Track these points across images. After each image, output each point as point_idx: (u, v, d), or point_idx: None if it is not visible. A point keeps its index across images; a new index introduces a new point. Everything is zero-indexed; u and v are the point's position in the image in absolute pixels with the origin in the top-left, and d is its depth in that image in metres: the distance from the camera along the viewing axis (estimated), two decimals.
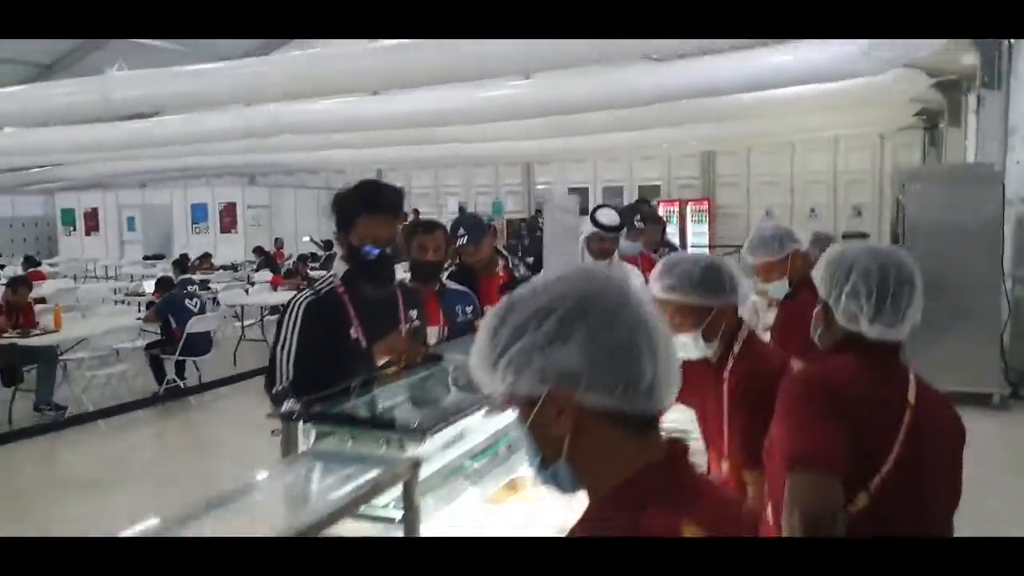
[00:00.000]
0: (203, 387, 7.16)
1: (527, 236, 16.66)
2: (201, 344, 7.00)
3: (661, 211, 16.49)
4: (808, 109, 10.07)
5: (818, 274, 1.61)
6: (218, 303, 9.45)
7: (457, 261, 3.43)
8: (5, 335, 6.50)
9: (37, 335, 6.62)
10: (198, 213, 17.99)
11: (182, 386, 7.00)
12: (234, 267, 13.80)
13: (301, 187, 19.04)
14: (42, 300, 9.75)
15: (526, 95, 8.57)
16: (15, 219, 20.36)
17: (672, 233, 16.14)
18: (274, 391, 2.13)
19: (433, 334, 2.71)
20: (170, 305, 7.17)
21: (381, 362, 2.13)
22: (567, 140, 12.15)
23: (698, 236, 16.27)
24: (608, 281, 0.90)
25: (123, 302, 9.98)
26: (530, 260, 5.47)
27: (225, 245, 16.82)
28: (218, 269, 13.33)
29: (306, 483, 1.53)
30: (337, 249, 2.36)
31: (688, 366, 1.46)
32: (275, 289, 10.41)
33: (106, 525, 1.07)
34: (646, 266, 4.26)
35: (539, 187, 18.64)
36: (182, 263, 9.72)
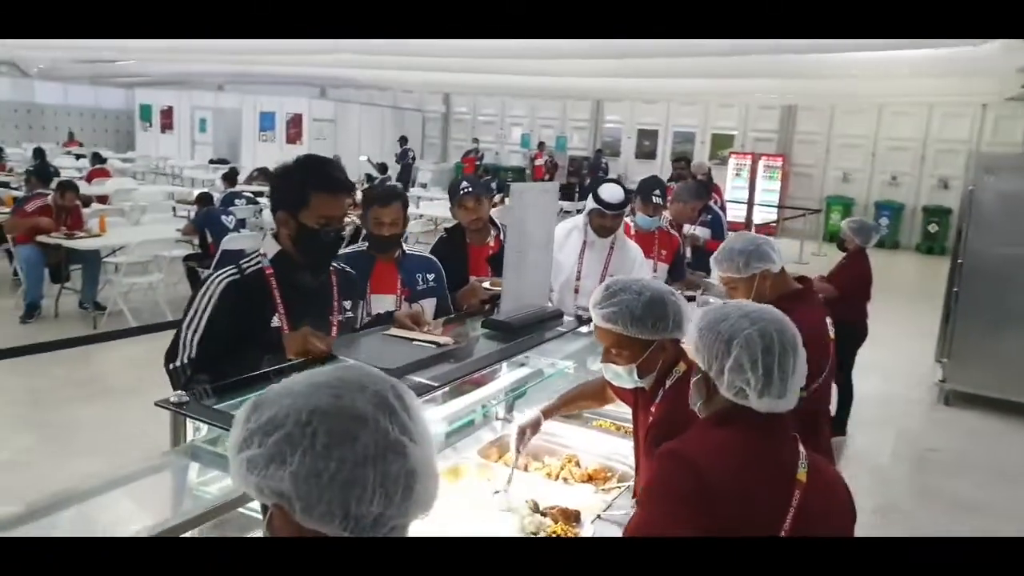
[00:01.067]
0: None
1: (588, 175, 16.37)
2: (235, 260, 7.02)
3: (731, 164, 15.98)
4: (901, 74, 9.41)
5: (691, 339, 1.48)
6: (262, 218, 9.48)
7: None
8: (53, 235, 6.76)
9: (81, 238, 6.84)
10: (266, 121, 18.09)
11: None
12: None
13: (368, 104, 18.96)
14: (104, 199, 10.07)
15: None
16: (97, 110, 20.97)
17: (739, 187, 15.65)
18: (171, 367, 1.98)
19: (390, 302, 2.67)
20: (206, 220, 7.26)
21: (293, 355, 1.94)
22: (637, 81, 11.69)
23: (768, 193, 15.65)
24: (354, 398, 0.82)
25: (173, 209, 10.16)
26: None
27: (289, 155, 16.98)
28: None
29: (172, 484, 1.51)
30: (270, 228, 2.21)
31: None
32: None
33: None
34: (661, 242, 4.05)
35: (607, 125, 18.15)
36: (231, 176, 9.73)
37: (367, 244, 2.75)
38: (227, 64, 13.75)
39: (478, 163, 17.40)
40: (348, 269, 2.32)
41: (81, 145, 17.60)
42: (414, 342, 2.09)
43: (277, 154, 16.99)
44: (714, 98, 14.73)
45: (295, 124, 17.80)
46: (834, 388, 4.93)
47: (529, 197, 2.53)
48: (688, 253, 4.77)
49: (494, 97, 18.61)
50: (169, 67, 15.22)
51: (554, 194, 2.74)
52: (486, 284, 2.90)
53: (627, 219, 3.89)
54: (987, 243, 5.69)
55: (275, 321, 2.03)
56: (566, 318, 2.68)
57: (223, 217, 7.28)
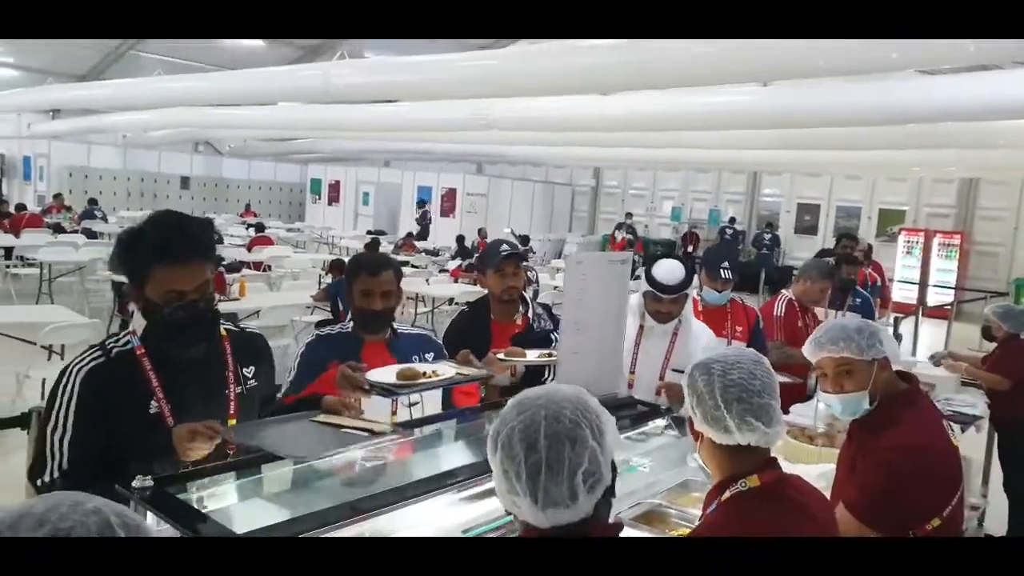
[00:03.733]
0: None
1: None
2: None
3: (901, 240, 14.85)
4: None
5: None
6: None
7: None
8: None
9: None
10: (423, 195, 19.03)
11: None
12: (436, 252, 14.19)
13: (520, 179, 19.48)
14: (259, 265, 10.68)
15: (757, 104, 7.98)
16: (275, 183, 22.93)
17: (911, 266, 14.48)
18: (39, 483, 1.65)
19: None
20: (338, 287, 7.26)
21: (190, 451, 1.62)
22: (797, 153, 11.21)
23: (944, 273, 14.37)
24: None
25: (320, 277, 10.58)
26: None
27: (443, 228, 17.64)
28: (420, 252, 13.71)
29: None
30: (132, 304, 1.87)
31: None
32: (455, 281, 10.24)
33: None
34: (735, 317, 3.53)
35: (764, 199, 17.51)
36: (373, 245, 10.13)
37: (351, 323, 2.39)
38: (391, 141, 14.73)
39: (628, 236, 17.27)
40: (250, 330, 2.04)
41: (256, 215, 19.18)
42: (343, 429, 1.82)
43: (433, 226, 17.77)
44: (882, 171, 13.84)
45: (449, 198, 18.66)
46: (1003, 500, 4.24)
47: (591, 267, 2.16)
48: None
49: (645, 171, 18.55)
50: (340, 144, 16.45)
51: (626, 266, 2.35)
52: (501, 355, 2.45)
53: (694, 294, 3.43)
54: None
55: (153, 407, 1.70)
56: (641, 408, 2.22)
57: None
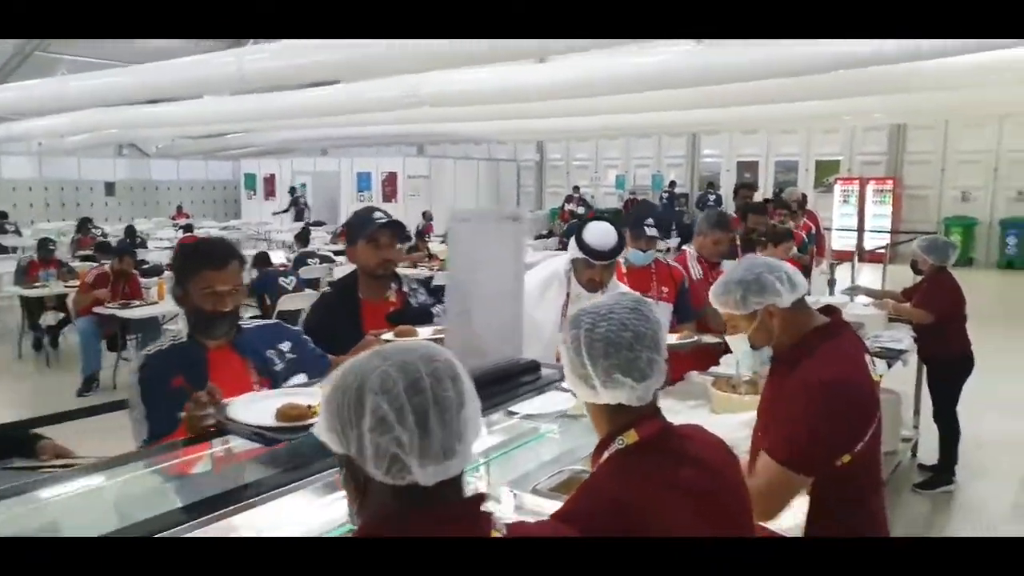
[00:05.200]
0: None
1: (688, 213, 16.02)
2: (294, 323, 6.84)
3: (837, 190, 15.21)
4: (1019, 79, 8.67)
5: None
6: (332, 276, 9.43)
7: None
8: (108, 305, 6.67)
9: (138, 306, 6.74)
10: (363, 182, 18.65)
11: None
12: None
13: (462, 158, 19.26)
14: None
15: (692, 63, 8.01)
16: (207, 183, 22.18)
17: (848, 215, 14.85)
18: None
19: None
20: (264, 282, 7.10)
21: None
22: (734, 110, 11.33)
23: (878, 219, 14.81)
24: None
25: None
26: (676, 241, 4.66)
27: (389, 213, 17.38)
28: None
29: None
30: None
31: None
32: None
33: None
34: (660, 277, 3.37)
35: (705, 159, 17.73)
36: (304, 236, 9.82)
37: (187, 332, 1.99)
38: (326, 128, 14.34)
39: (580, 208, 17.25)
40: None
41: (189, 217, 18.58)
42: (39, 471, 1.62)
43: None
44: (816, 123, 14.12)
45: (390, 182, 18.27)
46: (934, 431, 4.37)
47: (479, 226, 1.86)
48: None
49: (588, 141, 18.57)
50: (273, 135, 15.96)
51: (519, 223, 2.06)
52: (387, 336, 2.11)
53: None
54: None
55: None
56: (546, 371, 2.01)
57: (282, 279, 7.12)
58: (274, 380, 1.95)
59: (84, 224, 13.06)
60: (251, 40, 7.80)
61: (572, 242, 2.80)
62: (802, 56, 7.15)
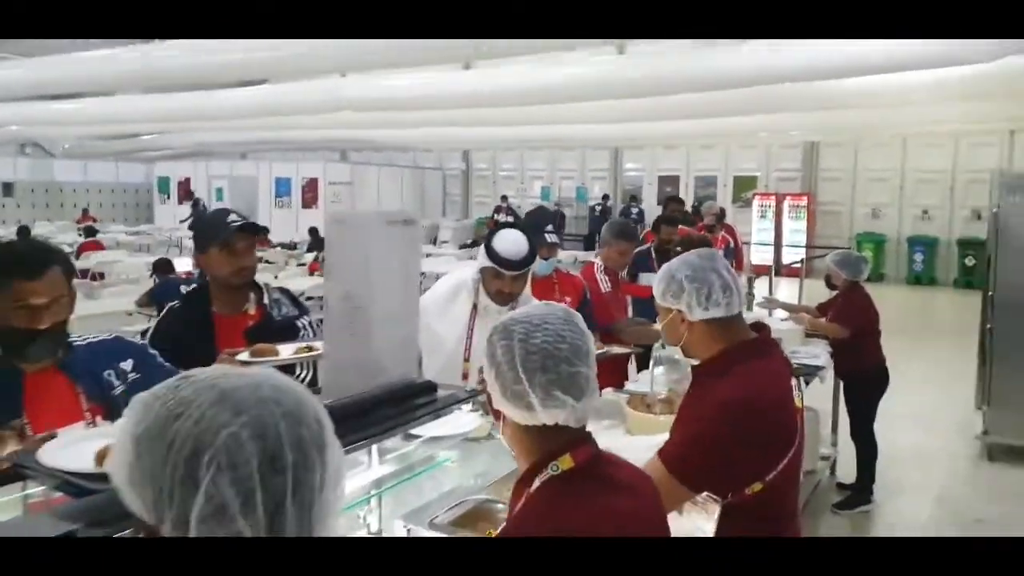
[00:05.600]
0: None
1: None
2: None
3: (755, 205, 15.62)
4: (926, 99, 9.06)
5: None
6: None
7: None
8: None
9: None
10: (282, 187, 18.21)
11: None
12: (292, 245, 13.44)
13: (387, 165, 18.96)
14: (88, 273, 9.66)
15: (615, 74, 8.04)
16: (117, 185, 21.19)
17: (765, 230, 15.26)
18: None
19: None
20: (164, 290, 6.42)
21: None
22: (656, 124, 11.50)
23: (795, 234, 15.28)
24: None
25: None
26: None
27: (305, 220, 16.92)
28: (276, 246, 12.93)
29: None
30: None
31: None
32: (311, 275, 9.53)
33: None
34: (562, 287, 3.27)
35: (628, 173, 17.96)
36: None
37: None
38: (246, 132, 13.83)
39: (508, 218, 17.18)
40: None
41: (95, 220, 17.66)
42: None
43: (293, 220, 16.95)
44: (734, 139, 14.48)
45: (311, 188, 17.86)
46: (852, 449, 4.35)
47: (361, 230, 1.63)
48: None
49: (514, 151, 18.57)
50: (190, 137, 15.33)
51: (411, 227, 1.81)
52: (243, 356, 1.85)
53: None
54: (1019, 271, 5.06)
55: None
56: (443, 392, 1.82)
57: (182, 286, 6.63)
58: (111, 406, 1.63)
59: None
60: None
61: (481, 250, 2.60)
62: (723, 69, 7.27)
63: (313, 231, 13.45)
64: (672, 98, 8.76)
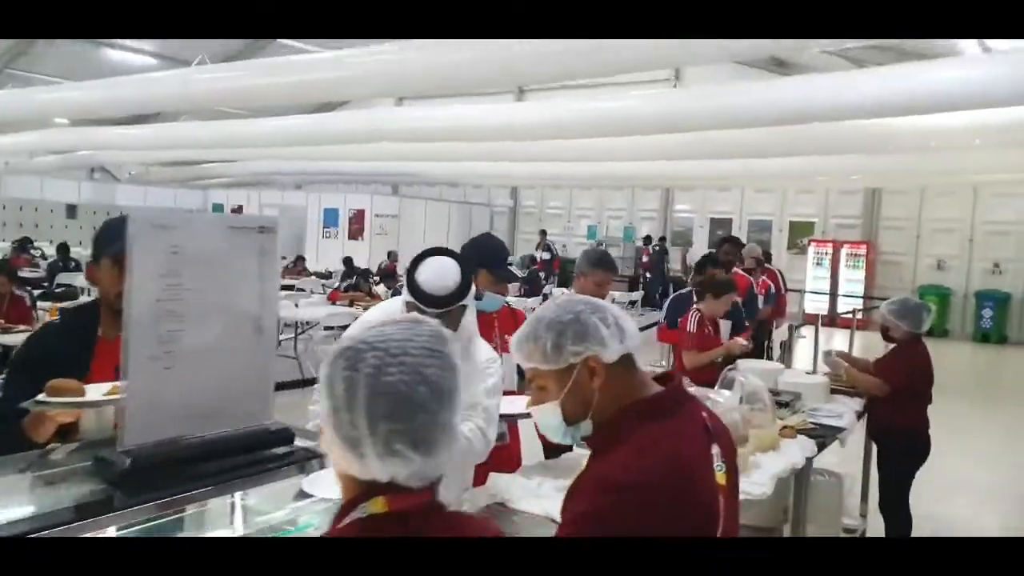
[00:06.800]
0: None
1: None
2: None
3: (811, 252, 15.01)
4: (999, 142, 8.52)
5: None
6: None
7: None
8: None
9: (21, 331, 5.65)
10: (329, 218, 18.43)
11: None
12: (328, 274, 13.57)
13: (435, 199, 19.02)
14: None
15: (668, 105, 7.82)
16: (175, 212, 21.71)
17: (821, 278, 14.62)
18: None
19: None
20: None
21: None
22: (708, 163, 11.21)
23: (852, 284, 14.62)
24: None
25: None
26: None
27: (350, 252, 17.02)
28: (312, 275, 13.05)
29: None
30: None
31: None
32: (333, 303, 9.62)
33: None
34: (503, 325, 2.77)
35: (678, 214, 17.56)
36: (22, 248, 9.35)
37: None
38: (301, 162, 14.16)
39: (545, 255, 17.02)
40: None
41: None
42: None
43: (339, 250, 17.04)
44: (789, 181, 14.00)
45: (358, 220, 18.03)
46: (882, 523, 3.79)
47: (188, 239, 1.37)
48: None
49: (562, 189, 18.42)
50: (245, 167, 15.81)
51: (267, 235, 1.52)
52: (41, 396, 1.54)
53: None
54: None
55: None
56: (300, 443, 1.53)
57: None
58: None
59: (23, 244, 12.54)
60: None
61: (405, 282, 2.19)
62: (780, 104, 6.94)
63: (347, 261, 13.52)
64: (726, 136, 8.47)
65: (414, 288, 2.11)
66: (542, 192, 19.19)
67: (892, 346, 3.96)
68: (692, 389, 2.83)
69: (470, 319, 2.28)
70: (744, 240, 13.76)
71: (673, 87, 7.96)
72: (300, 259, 13.95)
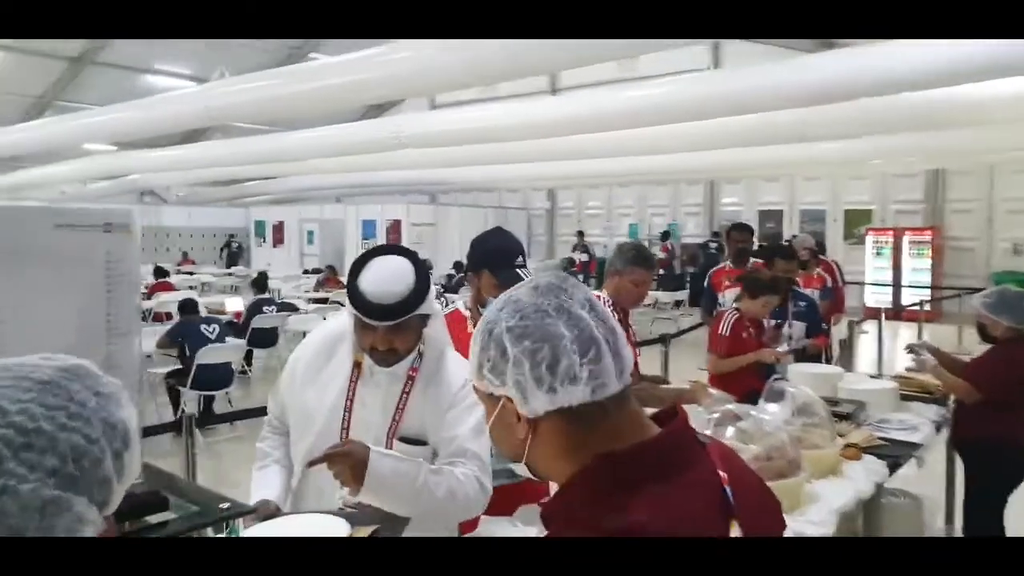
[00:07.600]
0: (217, 418, 5.92)
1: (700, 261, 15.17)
2: (215, 376, 6.08)
3: (870, 241, 14.15)
4: None
5: None
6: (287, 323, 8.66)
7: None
8: None
9: None
10: (367, 229, 18.44)
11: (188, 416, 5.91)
12: None
13: (470, 205, 18.82)
14: (166, 315, 9.43)
15: (706, 88, 7.33)
16: (218, 229, 22.00)
17: (882, 267, 13.77)
18: None
19: None
20: (183, 330, 6.40)
21: None
22: (754, 151, 10.65)
23: (918, 273, 13.68)
24: None
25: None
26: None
27: None
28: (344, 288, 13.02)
29: None
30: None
31: None
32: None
33: None
34: (454, 327, 2.14)
35: (724, 208, 16.83)
36: (260, 282, 9.09)
37: None
38: (340, 175, 14.28)
39: (583, 256, 16.57)
40: None
41: (194, 263, 18.24)
42: None
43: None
44: (841, 168, 13.19)
45: (395, 229, 18.03)
46: None
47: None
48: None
49: (600, 189, 17.92)
50: (284, 183, 16.08)
51: (123, 237, 1.23)
52: None
53: (460, 306, 2.35)
54: None
55: None
56: (181, 512, 1.22)
57: (203, 327, 6.40)
58: None
59: None
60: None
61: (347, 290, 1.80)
62: (825, 79, 6.35)
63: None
64: (770, 120, 7.93)
65: (355, 296, 1.69)
66: (579, 193, 18.75)
67: (988, 348, 3.34)
68: (729, 407, 2.35)
69: (440, 333, 1.87)
70: (796, 232, 13.10)
71: (709, 70, 7.41)
72: (330, 269, 13.71)
